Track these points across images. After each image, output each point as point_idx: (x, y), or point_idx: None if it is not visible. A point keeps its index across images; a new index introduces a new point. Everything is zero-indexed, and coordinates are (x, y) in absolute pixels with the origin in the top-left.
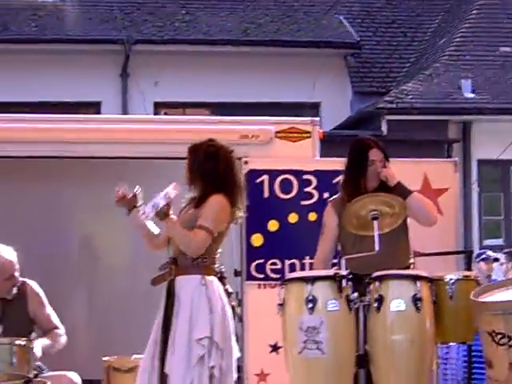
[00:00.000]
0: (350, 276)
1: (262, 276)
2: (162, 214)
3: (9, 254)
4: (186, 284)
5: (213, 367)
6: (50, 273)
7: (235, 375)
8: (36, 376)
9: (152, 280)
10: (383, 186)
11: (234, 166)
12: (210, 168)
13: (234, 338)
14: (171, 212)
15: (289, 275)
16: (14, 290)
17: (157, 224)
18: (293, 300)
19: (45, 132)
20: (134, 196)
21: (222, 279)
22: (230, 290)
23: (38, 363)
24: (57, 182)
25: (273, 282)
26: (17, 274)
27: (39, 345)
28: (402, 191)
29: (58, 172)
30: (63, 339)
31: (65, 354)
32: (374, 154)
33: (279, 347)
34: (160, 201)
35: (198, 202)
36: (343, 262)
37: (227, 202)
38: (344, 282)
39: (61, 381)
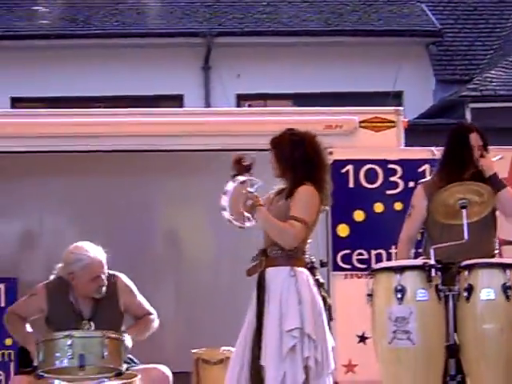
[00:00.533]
0: (439, 265)
1: (348, 266)
2: (250, 206)
3: (97, 253)
4: (276, 275)
5: (307, 358)
6: (136, 266)
7: (332, 365)
8: (127, 369)
9: (247, 271)
10: (478, 175)
11: (322, 150)
12: (300, 155)
13: (327, 328)
14: (262, 203)
15: (377, 265)
16: (103, 289)
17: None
18: (382, 290)
19: (129, 126)
20: (250, 166)
21: (312, 269)
22: (321, 280)
23: (129, 356)
24: (140, 175)
25: (359, 273)
26: (103, 276)
27: (129, 336)
28: (496, 183)
29: (142, 166)
30: (155, 324)
31: (154, 346)
32: (473, 139)
33: (367, 337)
34: (228, 185)
35: (289, 193)
36: (432, 251)
37: (316, 191)
38: (433, 272)
39: (152, 373)
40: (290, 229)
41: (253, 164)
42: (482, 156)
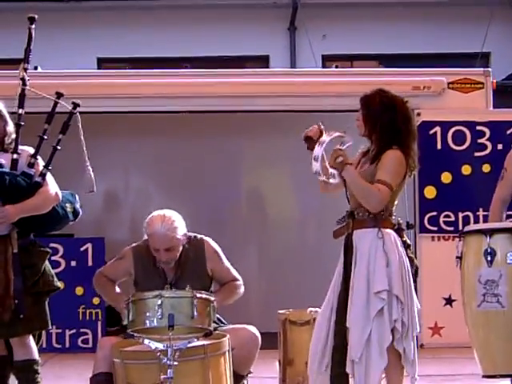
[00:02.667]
0: None
1: (435, 228)
2: (338, 164)
3: (165, 227)
4: (363, 237)
5: (395, 321)
6: (221, 227)
7: (418, 328)
8: (215, 329)
9: (333, 233)
10: None
11: (410, 117)
12: (389, 119)
13: (413, 291)
14: (350, 162)
15: (467, 227)
16: (172, 264)
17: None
18: (471, 253)
19: (215, 86)
20: (321, 130)
21: (399, 231)
22: (408, 241)
23: (218, 316)
24: (226, 136)
25: (446, 235)
26: (165, 251)
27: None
28: None
29: (227, 126)
30: (241, 290)
31: (240, 307)
32: None
33: (453, 300)
34: (318, 149)
35: (375, 157)
36: None
37: (403, 155)
38: None
39: (240, 333)
40: (376, 192)
41: (321, 127)
42: None
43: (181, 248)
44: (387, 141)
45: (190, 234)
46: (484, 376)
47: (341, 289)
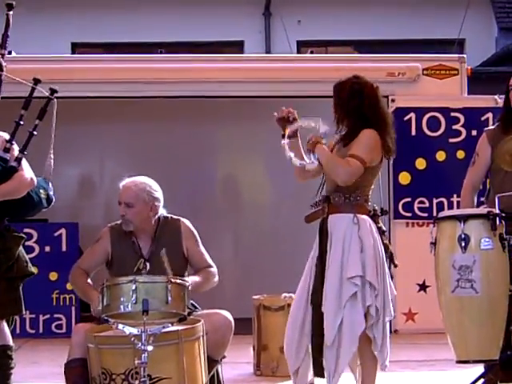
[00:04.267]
0: (504, 214)
1: (409, 214)
2: (310, 144)
3: (134, 184)
4: (339, 222)
5: (369, 306)
6: (194, 212)
7: (393, 314)
8: (189, 314)
9: (305, 217)
10: None
11: (380, 102)
12: (355, 105)
13: (388, 277)
14: (323, 142)
15: (441, 213)
16: (131, 227)
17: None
18: (445, 239)
19: (188, 72)
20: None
21: (374, 217)
22: (384, 228)
23: (192, 301)
24: (199, 121)
25: (421, 221)
26: (125, 206)
27: (191, 282)
28: None
29: (201, 111)
30: (215, 278)
31: (214, 292)
32: None
33: (427, 286)
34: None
35: (347, 139)
36: (496, 199)
37: (378, 136)
38: (497, 221)
39: (214, 318)
40: (345, 164)
41: (292, 114)
42: None
43: (142, 217)
44: (357, 126)
45: (167, 214)
46: (458, 361)
47: (316, 272)
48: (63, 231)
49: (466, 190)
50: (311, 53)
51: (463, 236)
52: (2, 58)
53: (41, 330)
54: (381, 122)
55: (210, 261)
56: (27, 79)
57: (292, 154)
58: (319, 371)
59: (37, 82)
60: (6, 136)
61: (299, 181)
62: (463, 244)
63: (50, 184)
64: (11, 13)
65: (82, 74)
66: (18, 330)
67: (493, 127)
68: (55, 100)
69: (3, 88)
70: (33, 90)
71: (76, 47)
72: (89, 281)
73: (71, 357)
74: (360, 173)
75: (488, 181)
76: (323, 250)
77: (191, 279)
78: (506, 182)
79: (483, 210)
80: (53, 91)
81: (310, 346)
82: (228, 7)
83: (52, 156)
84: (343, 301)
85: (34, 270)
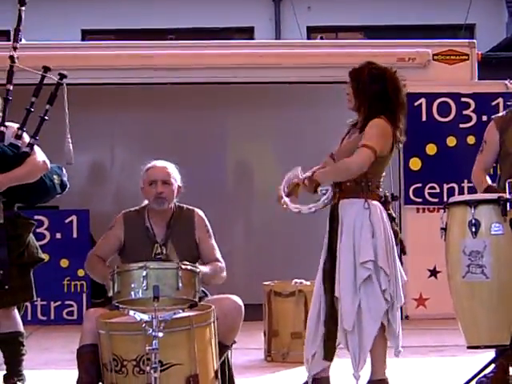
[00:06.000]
0: None
1: (420, 200)
2: (310, 188)
3: (163, 163)
4: (350, 208)
5: (384, 291)
6: (206, 199)
7: (403, 300)
8: (200, 300)
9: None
10: None
11: (401, 87)
12: (379, 90)
13: (398, 263)
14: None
15: (451, 199)
16: (166, 205)
17: None
18: (456, 224)
19: (198, 58)
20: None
21: (385, 204)
22: (394, 214)
23: (202, 288)
24: (210, 107)
25: (431, 206)
26: (162, 184)
27: (203, 270)
28: None
29: (212, 97)
30: (223, 274)
31: (226, 278)
32: None
33: (438, 272)
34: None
35: (362, 127)
36: (507, 184)
37: (389, 124)
38: (508, 206)
39: (224, 304)
40: (347, 160)
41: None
42: None
43: (174, 196)
44: (376, 111)
45: (182, 204)
46: (469, 347)
47: (326, 258)
48: (74, 218)
49: (478, 172)
50: (321, 39)
51: (473, 221)
52: (14, 50)
53: (52, 317)
54: (400, 107)
55: (219, 256)
56: (37, 66)
57: (298, 206)
58: (328, 355)
59: (46, 69)
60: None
61: None
62: (474, 229)
63: (64, 170)
64: (23, 8)
65: (93, 61)
66: (29, 317)
67: (501, 114)
68: (65, 84)
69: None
70: (43, 77)
71: (86, 34)
72: (107, 264)
73: (82, 343)
74: (370, 161)
75: (498, 167)
76: (334, 235)
77: (201, 268)
78: None
79: (493, 195)
80: (62, 76)
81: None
82: None
83: (70, 140)
84: (358, 285)
85: (44, 256)
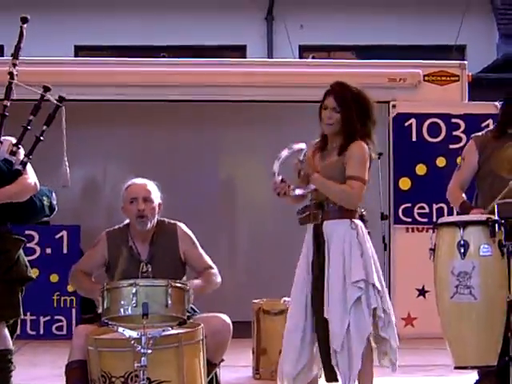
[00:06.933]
0: (503, 221)
1: (409, 220)
2: (305, 174)
3: (143, 180)
4: (335, 228)
5: (374, 309)
6: (195, 216)
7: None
8: (189, 317)
9: (300, 220)
10: None
11: (372, 105)
12: (359, 112)
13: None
14: (311, 171)
15: (440, 220)
16: (148, 225)
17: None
18: (444, 245)
19: (190, 76)
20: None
21: (364, 221)
22: (369, 230)
23: (191, 305)
24: (200, 125)
25: (420, 226)
26: (143, 202)
27: (192, 286)
28: None
29: (202, 115)
30: (218, 279)
31: (214, 296)
32: None
33: (426, 291)
34: (283, 153)
35: (342, 149)
36: (496, 206)
37: (367, 147)
38: (497, 227)
39: (212, 322)
40: (350, 190)
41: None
42: None
43: (156, 213)
44: (356, 131)
45: (163, 218)
46: (456, 367)
47: (313, 279)
48: (64, 233)
49: (454, 188)
50: (313, 58)
51: (462, 242)
52: (14, 67)
53: (41, 332)
54: (372, 126)
55: (209, 262)
56: (31, 81)
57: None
58: (331, 376)
59: (46, 89)
60: (14, 140)
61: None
62: (462, 250)
63: (54, 194)
64: (25, 25)
65: (85, 77)
66: (18, 331)
67: (480, 133)
68: (63, 107)
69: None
70: (42, 97)
71: (79, 50)
72: (93, 280)
73: (71, 359)
74: (363, 192)
75: (476, 185)
76: (320, 256)
77: (192, 283)
78: (495, 186)
79: (482, 216)
80: (61, 99)
81: (318, 354)
82: (230, 12)
83: (67, 163)
84: (349, 305)
85: (33, 275)
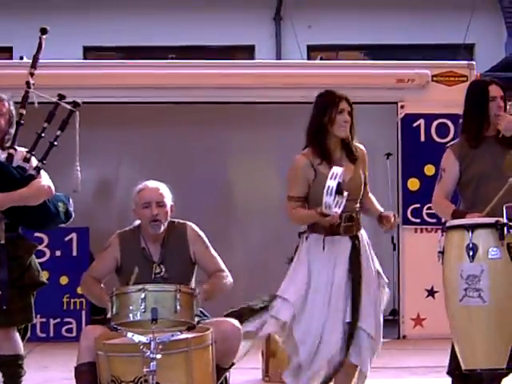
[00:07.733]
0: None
1: (418, 220)
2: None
3: (156, 184)
4: (363, 238)
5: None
6: (207, 216)
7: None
8: (198, 322)
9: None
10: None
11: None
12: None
13: None
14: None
15: (449, 222)
16: (162, 228)
17: None
18: (453, 248)
19: (199, 77)
20: None
21: None
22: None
23: (200, 309)
24: (211, 126)
25: (429, 227)
26: (156, 206)
27: (202, 291)
28: None
29: (212, 116)
30: (228, 282)
31: (223, 299)
32: (494, 90)
33: (435, 292)
34: (330, 182)
35: (355, 156)
36: (504, 209)
37: None
38: (506, 230)
39: (222, 326)
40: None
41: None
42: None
43: (168, 216)
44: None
45: (173, 219)
46: (465, 370)
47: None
48: (74, 236)
49: (439, 199)
50: (321, 58)
51: (471, 245)
52: (31, 76)
53: (51, 334)
54: None
55: (220, 264)
56: (38, 84)
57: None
58: None
59: (61, 97)
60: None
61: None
62: (471, 253)
63: (71, 200)
64: (44, 36)
65: (96, 80)
66: (28, 334)
67: (456, 141)
68: (77, 113)
69: (20, 93)
70: (57, 105)
71: (88, 51)
72: (102, 286)
73: (80, 361)
74: None
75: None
76: (358, 265)
77: (201, 288)
78: (480, 190)
79: (491, 219)
80: (75, 104)
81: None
82: (239, 12)
83: (79, 168)
84: (383, 306)
85: (45, 280)
